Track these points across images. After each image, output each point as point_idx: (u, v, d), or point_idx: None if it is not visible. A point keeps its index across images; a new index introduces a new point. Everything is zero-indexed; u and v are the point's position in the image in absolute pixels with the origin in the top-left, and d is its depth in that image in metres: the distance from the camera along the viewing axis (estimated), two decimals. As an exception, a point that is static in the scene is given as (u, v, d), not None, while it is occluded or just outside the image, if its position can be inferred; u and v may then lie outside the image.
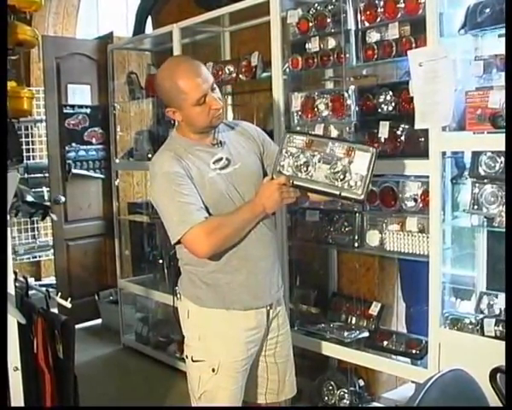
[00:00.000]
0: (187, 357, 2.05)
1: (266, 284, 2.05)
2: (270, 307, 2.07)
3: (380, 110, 2.62)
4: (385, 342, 2.75)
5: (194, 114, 1.92)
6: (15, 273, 2.33)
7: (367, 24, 2.60)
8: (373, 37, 2.58)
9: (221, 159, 1.98)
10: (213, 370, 1.97)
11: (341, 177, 1.84)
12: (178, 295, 2.09)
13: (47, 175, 4.87)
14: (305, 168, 1.88)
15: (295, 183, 1.88)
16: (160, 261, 4.15)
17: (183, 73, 1.90)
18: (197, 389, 2.01)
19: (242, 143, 2.09)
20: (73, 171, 4.71)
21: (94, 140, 4.84)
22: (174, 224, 1.87)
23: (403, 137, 2.54)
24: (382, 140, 2.59)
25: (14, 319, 1.98)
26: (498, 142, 1.95)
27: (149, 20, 4.50)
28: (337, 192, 1.86)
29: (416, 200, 2.50)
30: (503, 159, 2.15)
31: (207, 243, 1.85)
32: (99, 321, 4.88)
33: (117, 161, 4.40)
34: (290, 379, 2.19)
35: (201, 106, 1.90)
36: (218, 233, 1.86)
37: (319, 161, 1.87)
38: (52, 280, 5.18)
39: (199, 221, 1.83)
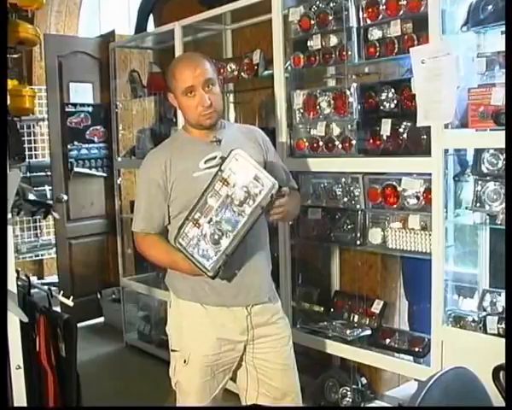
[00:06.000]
0: (169, 346, 2.13)
1: (243, 284, 2.00)
2: (250, 310, 2.02)
3: (382, 108, 2.61)
4: (387, 340, 2.75)
5: (183, 104, 2.00)
6: (17, 272, 2.32)
7: (369, 21, 2.59)
8: (375, 34, 2.58)
9: (214, 157, 1.98)
10: (185, 361, 2.03)
11: (251, 198, 1.79)
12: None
13: (49, 174, 4.87)
14: (220, 234, 1.82)
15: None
16: (163, 260, 4.14)
17: (180, 62, 2.05)
18: (173, 378, 2.10)
19: (245, 146, 2.00)
20: (75, 169, 4.72)
21: (96, 138, 4.85)
22: (135, 217, 2.09)
23: (405, 135, 2.53)
24: (384, 137, 2.58)
25: (16, 318, 1.98)
26: (501, 139, 1.93)
27: (151, 18, 4.50)
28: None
29: (418, 197, 2.50)
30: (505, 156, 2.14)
31: (139, 251, 2.13)
32: (101, 319, 4.89)
33: (119, 159, 4.40)
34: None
35: (189, 98, 1.97)
36: (146, 254, 2.10)
37: (224, 218, 1.81)
38: (55, 279, 5.18)
39: (141, 232, 2.06)
